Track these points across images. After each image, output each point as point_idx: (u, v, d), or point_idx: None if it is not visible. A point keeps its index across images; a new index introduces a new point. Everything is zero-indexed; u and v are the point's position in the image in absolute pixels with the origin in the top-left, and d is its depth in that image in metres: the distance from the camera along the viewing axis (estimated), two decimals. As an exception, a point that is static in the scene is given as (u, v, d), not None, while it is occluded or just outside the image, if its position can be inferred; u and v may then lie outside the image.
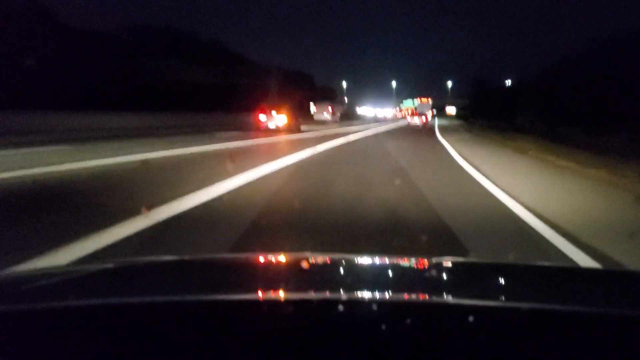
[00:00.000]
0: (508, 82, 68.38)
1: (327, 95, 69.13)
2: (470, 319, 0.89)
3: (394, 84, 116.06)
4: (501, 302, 1.05)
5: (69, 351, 0.82)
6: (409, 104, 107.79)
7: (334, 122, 49.03)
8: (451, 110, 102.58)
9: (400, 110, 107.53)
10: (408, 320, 0.88)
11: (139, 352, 0.82)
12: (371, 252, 3.59)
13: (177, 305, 0.97)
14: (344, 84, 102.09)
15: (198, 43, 43.37)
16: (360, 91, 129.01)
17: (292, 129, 24.30)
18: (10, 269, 2.84)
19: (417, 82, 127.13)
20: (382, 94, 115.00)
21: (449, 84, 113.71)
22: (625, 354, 0.84)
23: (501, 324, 0.91)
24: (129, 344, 0.83)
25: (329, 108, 52.56)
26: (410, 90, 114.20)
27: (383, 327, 0.87)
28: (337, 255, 1.71)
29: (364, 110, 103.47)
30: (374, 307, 0.96)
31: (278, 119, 24.17)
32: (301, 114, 29.58)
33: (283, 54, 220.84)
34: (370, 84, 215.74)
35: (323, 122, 44.45)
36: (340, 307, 0.92)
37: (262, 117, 24.56)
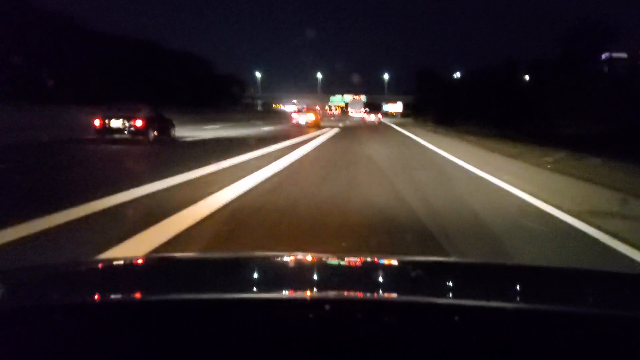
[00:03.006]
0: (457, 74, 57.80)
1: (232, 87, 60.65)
2: (456, 318, 0.91)
3: (319, 76, 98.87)
4: (487, 302, 1.05)
5: (65, 350, 0.84)
6: (337, 100, 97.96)
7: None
8: (395, 107, 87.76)
9: (331, 110, 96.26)
10: (394, 320, 0.90)
11: (128, 351, 0.84)
12: (361, 251, 3.96)
13: (167, 305, 0.99)
14: (258, 75, 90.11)
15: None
16: (278, 85, 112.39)
17: (316, 124, 31.90)
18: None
19: (347, 75, 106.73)
20: (305, 88, 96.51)
21: (386, 77, 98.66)
22: (613, 354, 0.85)
23: (487, 324, 0.92)
24: (120, 342, 0.85)
25: (317, 107, 62.57)
26: (340, 84, 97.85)
27: (372, 326, 0.89)
28: (325, 256, 1.73)
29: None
30: (362, 306, 0.98)
31: (308, 117, 32.68)
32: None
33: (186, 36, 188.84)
34: (291, 77, 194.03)
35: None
36: (327, 307, 0.94)
37: (295, 115, 33.80)
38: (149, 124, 15.53)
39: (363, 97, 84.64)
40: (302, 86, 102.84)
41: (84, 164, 10.37)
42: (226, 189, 6.67)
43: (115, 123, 15.13)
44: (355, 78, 77.12)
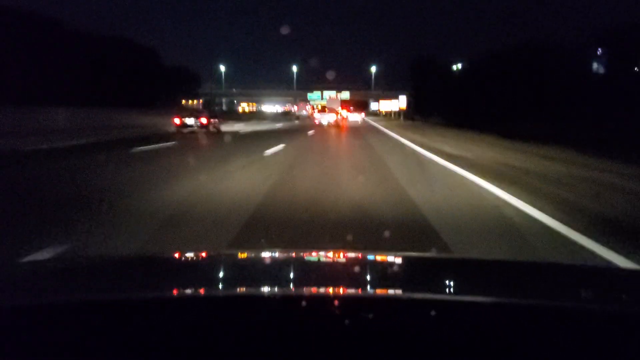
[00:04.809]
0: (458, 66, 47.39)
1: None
2: (433, 313, 0.92)
3: (294, 69, 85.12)
4: (472, 296, 1.07)
5: (58, 349, 0.85)
6: (316, 97, 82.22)
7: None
8: (389, 105, 66.93)
9: (313, 109, 76.46)
10: (370, 315, 0.91)
11: (117, 348, 0.86)
12: (350, 247, 4.00)
13: (151, 302, 1.00)
14: (222, 68, 78.84)
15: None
16: (249, 80, 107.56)
17: (338, 124, 34.63)
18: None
19: (328, 69, 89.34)
20: (279, 84, 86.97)
21: (373, 69, 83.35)
22: (600, 349, 0.86)
23: (474, 319, 0.93)
24: (110, 340, 0.87)
25: (307, 107, 65.61)
26: (319, 80, 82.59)
27: (360, 323, 0.89)
28: (314, 253, 1.75)
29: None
30: (351, 303, 0.99)
31: (330, 117, 35.69)
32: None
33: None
34: (263, 71, 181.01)
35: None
36: (320, 304, 0.96)
37: (317, 115, 37.16)
38: (209, 120, 23.76)
39: (345, 94, 76.63)
40: (275, 81, 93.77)
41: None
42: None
43: (189, 121, 23.37)
44: (337, 73, 71.36)
